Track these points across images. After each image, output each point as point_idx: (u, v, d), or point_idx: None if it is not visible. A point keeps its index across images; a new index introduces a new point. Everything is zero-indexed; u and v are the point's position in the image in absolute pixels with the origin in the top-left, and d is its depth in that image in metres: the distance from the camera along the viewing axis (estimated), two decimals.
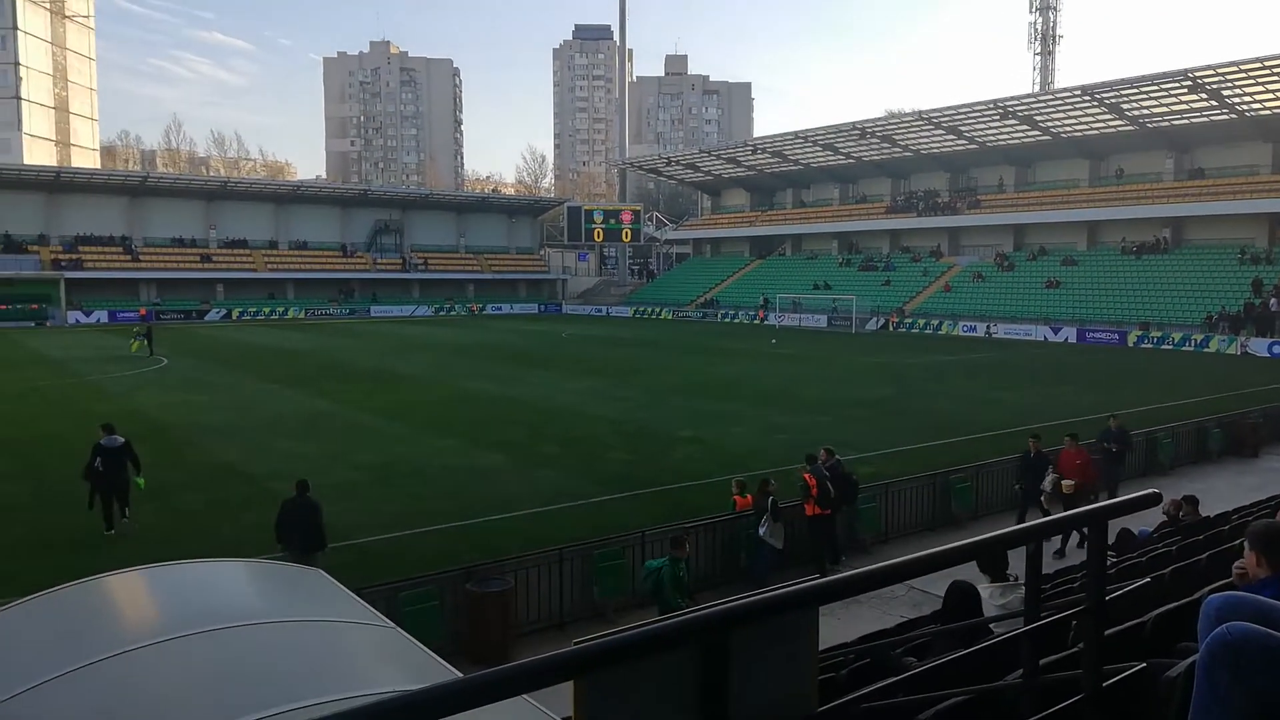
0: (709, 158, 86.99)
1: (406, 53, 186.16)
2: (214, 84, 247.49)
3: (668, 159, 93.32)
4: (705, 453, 20.89)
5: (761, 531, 12.46)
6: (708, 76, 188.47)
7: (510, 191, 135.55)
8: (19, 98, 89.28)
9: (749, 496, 13.36)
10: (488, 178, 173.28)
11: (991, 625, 4.87)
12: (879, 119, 70.24)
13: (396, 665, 4.79)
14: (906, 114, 68.64)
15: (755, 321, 68.55)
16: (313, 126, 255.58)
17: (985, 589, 6.00)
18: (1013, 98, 60.29)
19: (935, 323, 59.27)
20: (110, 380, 32.98)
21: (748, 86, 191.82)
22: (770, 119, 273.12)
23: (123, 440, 15.10)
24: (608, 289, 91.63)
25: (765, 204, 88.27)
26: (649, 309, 79.27)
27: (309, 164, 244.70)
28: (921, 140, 69.75)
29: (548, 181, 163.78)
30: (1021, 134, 64.40)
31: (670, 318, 75.60)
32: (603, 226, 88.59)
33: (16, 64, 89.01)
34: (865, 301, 62.61)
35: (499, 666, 1.48)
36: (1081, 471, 14.64)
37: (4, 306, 63.32)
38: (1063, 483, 14.31)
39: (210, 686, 4.31)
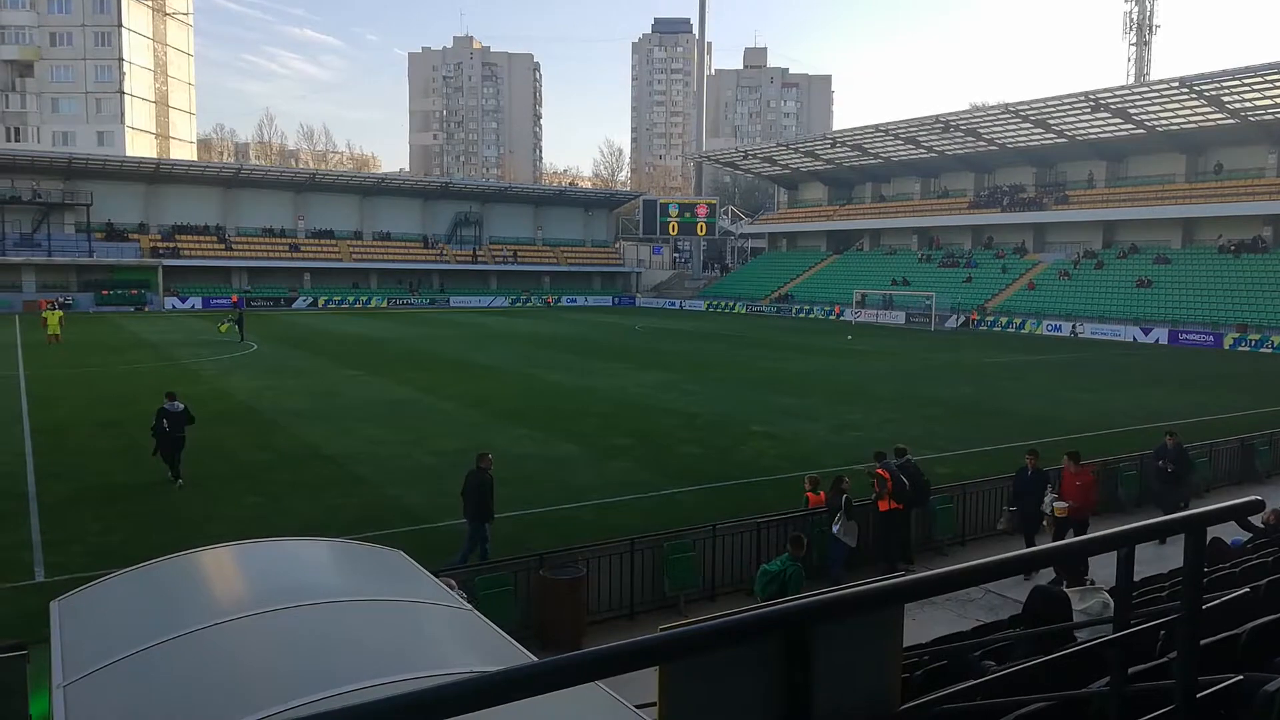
0: (787, 151, 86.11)
1: (488, 48, 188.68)
2: (304, 79, 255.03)
3: (745, 152, 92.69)
4: (777, 448, 20.74)
5: (835, 529, 12.33)
6: (787, 69, 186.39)
7: (587, 185, 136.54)
8: (122, 92, 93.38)
9: (822, 493, 13.23)
10: (565, 171, 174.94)
11: (1075, 631, 4.74)
12: (963, 112, 68.47)
13: (475, 646, 4.89)
14: (992, 107, 66.76)
15: (831, 317, 67.71)
16: (397, 120, 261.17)
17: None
18: (1105, 89, 58.12)
19: (1018, 321, 57.65)
20: (203, 364, 34.34)
21: (827, 79, 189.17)
22: (850, 112, 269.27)
23: (183, 406, 17.13)
24: (681, 282, 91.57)
25: (843, 198, 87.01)
26: (722, 303, 78.95)
27: (393, 157, 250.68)
28: (1007, 134, 67.81)
29: (624, 175, 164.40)
30: (1114, 127, 62.05)
31: (744, 312, 75.16)
32: (678, 220, 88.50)
33: (121, 60, 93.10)
34: (945, 298, 61.25)
35: (586, 649, 1.51)
36: (1082, 493, 13.17)
37: (106, 292, 66.43)
38: (1055, 504, 12.81)
39: (295, 660, 4.47)
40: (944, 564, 11.37)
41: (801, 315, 70.71)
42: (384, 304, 75.86)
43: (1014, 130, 66.82)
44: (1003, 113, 64.59)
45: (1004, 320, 58.57)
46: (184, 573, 5.91)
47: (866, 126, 74.29)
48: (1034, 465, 13.69)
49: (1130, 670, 2.49)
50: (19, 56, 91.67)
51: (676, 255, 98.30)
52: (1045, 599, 4.58)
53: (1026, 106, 62.14)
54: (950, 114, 67.69)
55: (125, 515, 14.65)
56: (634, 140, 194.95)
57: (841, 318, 66.36)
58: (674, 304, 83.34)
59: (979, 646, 5.21)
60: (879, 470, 13.12)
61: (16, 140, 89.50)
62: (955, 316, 60.58)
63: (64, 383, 28.05)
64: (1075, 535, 12.21)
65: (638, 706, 4.00)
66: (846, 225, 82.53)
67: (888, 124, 71.71)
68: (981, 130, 68.41)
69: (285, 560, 6.19)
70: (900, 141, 73.80)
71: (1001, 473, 16.30)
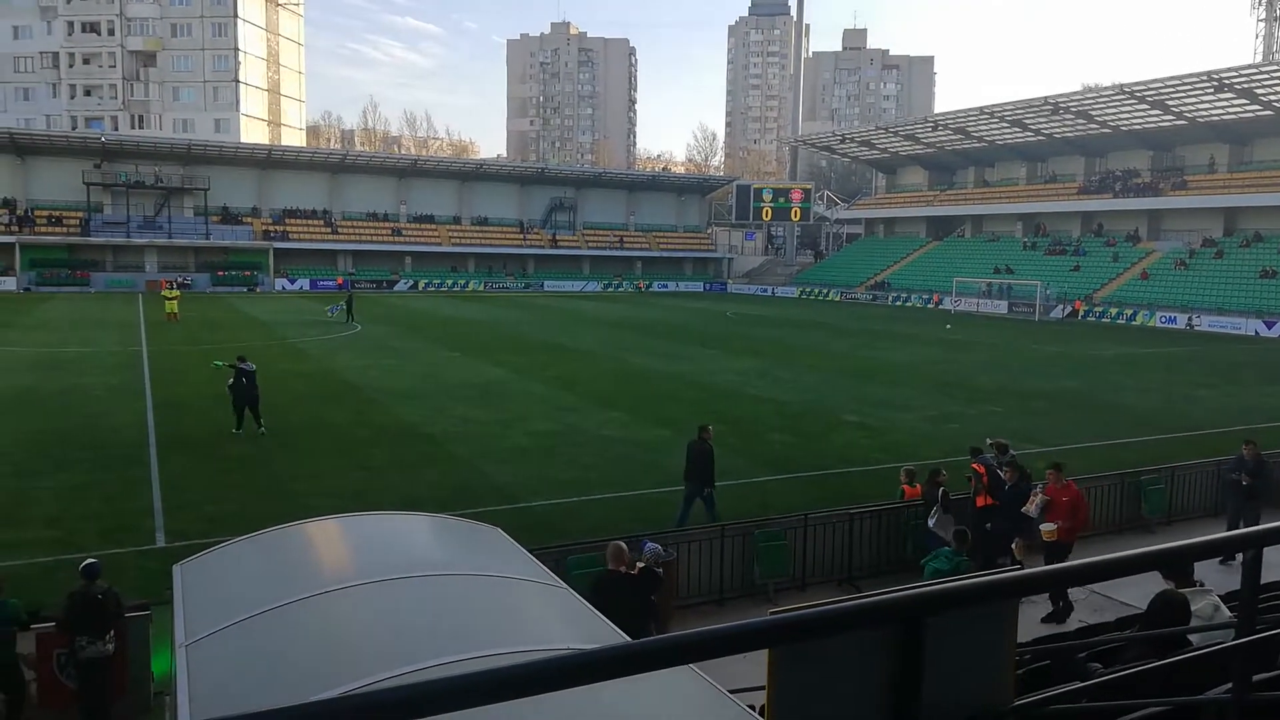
0: (886, 135, 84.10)
1: (585, 33, 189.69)
2: (406, 66, 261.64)
3: (842, 136, 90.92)
4: (870, 439, 20.39)
5: (931, 523, 12.06)
6: (887, 50, 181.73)
7: (680, 170, 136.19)
8: (238, 81, 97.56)
9: (918, 486, 12.96)
10: (658, 156, 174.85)
11: (1188, 636, 4.54)
12: (1074, 93, 65.54)
13: (571, 624, 4.98)
14: (1106, 88, 63.68)
15: (929, 306, 66.01)
16: (495, 106, 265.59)
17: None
18: (1230, 69, 54.75)
19: (1129, 312, 55.10)
20: (310, 343, 35.73)
21: (929, 60, 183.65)
22: (952, 94, 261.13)
23: (254, 367, 19.46)
24: (774, 269, 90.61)
25: (944, 183, 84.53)
26: (816, 290, 77.82)
27: (491, 143, 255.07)
28: (1121, 116, 64.63)
29: (718, 160, 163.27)
30: (1238, 109, 58.46)
31: (838, 299, 73.94)
32: (771, 205, 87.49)
33: (236, 50, 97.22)
34: (1051, 287, 58.97)
35: (697, 629, 1.52)
36: (1069, 511, 11.40)
37: (221, 273, 69.67)
38: (1041, 527, 11.20)
39: (398, 630, 4.63)
40: (1043, 562, 11.01)
41: (898, 303, 69.14)
42: (480, 287, 77.41)
43: (1129, 112, 63.66)
44: (1117, 94, 61.60)
45: (1114, 311, 56.05)
46: (294, 542, 6.19)
47: (970, 109, 71.92)
48: (1012, 478, 11.93)
49: (1255, 678, 2.38)
50: (143, 47, 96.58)
51: (770, 241, 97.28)
52: (1165, 603, 4.40)
53: (1143, 87, 59.09)
54: (1060, 95, 64.92)
55: (237, 486, 15.40)
56: (728, 125, 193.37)
57: (940, 306, 64.62)
58: (766, 290, 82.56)
59: (1085, 648, 5.04)
60: (974, 465, 12.77)
61: (140, 127, 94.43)
62: (1061, 306, 58.28)
63: (182, 359, 29.59)
64: (1058, 561, 10.51)
65: (730, 690, 4.01)
66: (947, 211, 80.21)
67: (993, 106, 69.26)
68: (1093, 112, 65.39)
69: (389, 533, 6.42)
70: (1006, 124, 71.19)
71: (1111, 469, 15.68)
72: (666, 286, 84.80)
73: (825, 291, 76.56)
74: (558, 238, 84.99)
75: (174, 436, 18.74)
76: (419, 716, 1.30)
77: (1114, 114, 64.74)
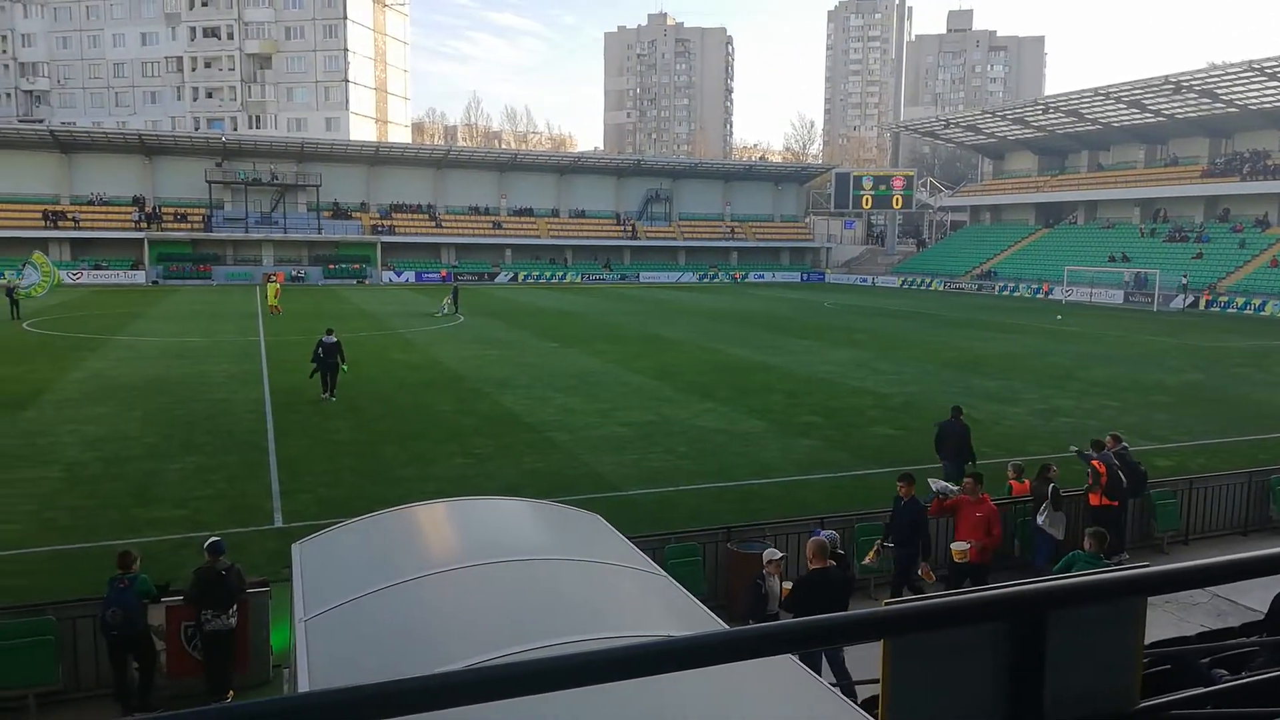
0: (993, 119, 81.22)
1: (682, 23, 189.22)
2: (507, 62, 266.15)
3: (946, 121, 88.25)
4: (976, 432, 19.62)
5: (1040, 520, 11.66)
6: (994, 31, 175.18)
7: (777, 159, 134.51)
8: (347, 80, 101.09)
9: (1026, 482, 12.53)
10: (755, 145, 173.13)
11: None
12: (1197, 71, 61.82)
13: (671, 610, 5.02)
14: (1234, 64, 59.84)
15: (1039, 295, 63.58)
16: (593, 99, 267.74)
17: None
18: None
19: (1257, 302, 51.85)
20: (416, 334, 36.84)
21: (1040, 41, 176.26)
22: (1063, 76, 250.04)
23: (335, 340, 22.20)
24: (874, 258, 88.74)
25: (1055, 167, 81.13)
26: (918, 279, 75.85)
27: (589, 136, 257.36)
28: (1250, 94, 60.71)
29: (816, 148, 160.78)
30: None
31: (941, 289, 71.91)
32: (872, 193, 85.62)
33: (345, 50, 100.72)
34: (1170, 276, 55.97)
35: (809, 618, 1.52)
36: (982, 529, 10.31)
37: (332, 266, 72.42)
38: (953, 546, 10.19)
39: (505, 612, 4.75)
40: (1161, 562, 10.51)
41: (1005, 293, 66.81)
42: (578, 279, 78.29)
43: (1258, 90, 59.75)
44: (1245, 70, 57.85)
45: (1241, 301, 52.84)
46: (404, 524, 6.42)
47: (1084, 90, 68.74)
48: (908, 493, 10.66)
49: None
50: (260, 50, 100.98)
51: (869, 230, 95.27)
52: None
53: (1275, 63, 55.36)
54: (1182, 74, 61.38)
55: (349, 470, 16.03)
56: (827, 112, 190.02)
57: (1050, 296, 62.16)
58: (866, 280, 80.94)
59: (1208, 653, 4.80)
60: (1094, 462, 12.25)
61: (257, 127, 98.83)
62: (1182, 296, 55.26)
63: (297, 348, 30.91)
64: (972, 584, 9.82)
65: (831, 683, 3.99)
66: (1058, 197, 76.98)
67: (1108, 87, 66.00)
68: (1219, 91, 61.64)
69: (494, 517, 6.59)
70: (1122, 105, 67.79)
71: (1237, 467, 14.85)
72: (763, 277, 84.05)
73: (928, 281, 74.55)
74: (653, 229, 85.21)
75: (290, 422, 19.61)
76: (524, 694, 1.33)
77: (1242, 92, 60.89)
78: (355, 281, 71.41)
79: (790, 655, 3.95)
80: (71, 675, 8.75)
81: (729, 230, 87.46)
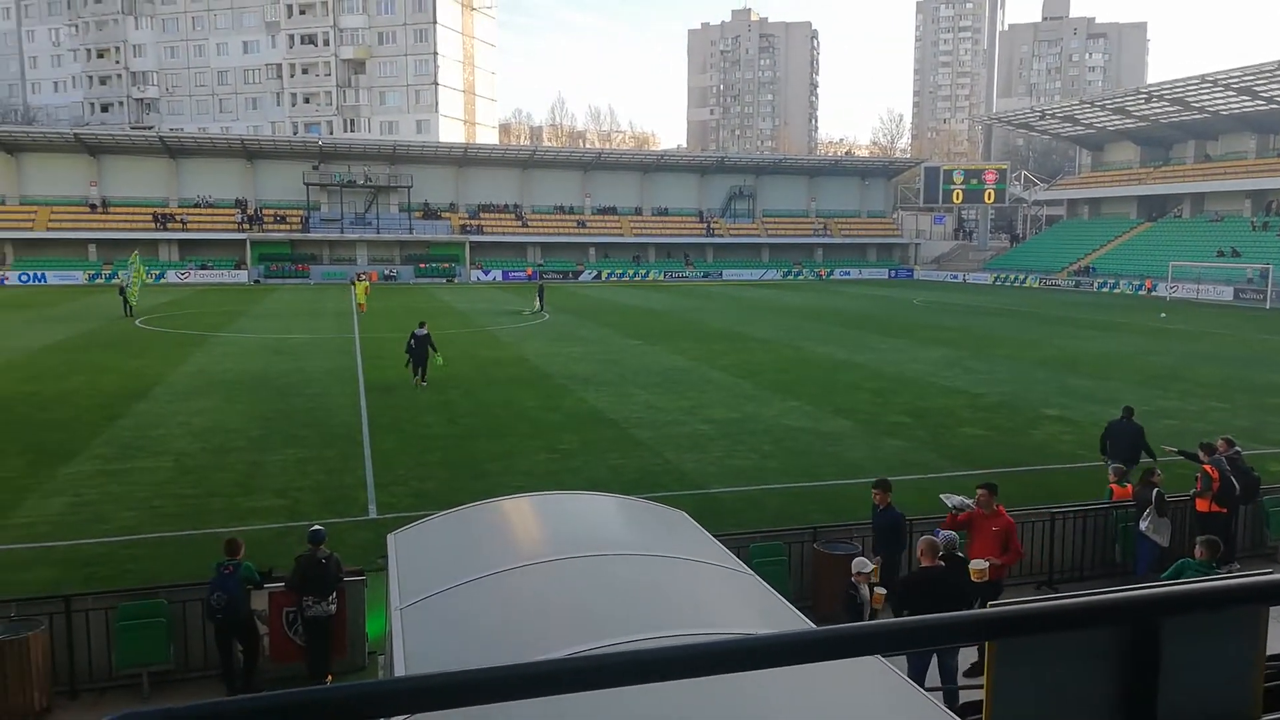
0: (1091, 109, 78.12)
1: (766, 19, 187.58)
2: (591, 62, 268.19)
3: (1041, 112, 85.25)
4: (1073, 434, 19.12)
5: (1143, 526, 11.20)
6: (1093, 18, 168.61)
7: (863, 154, 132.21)
8: (437, 84, 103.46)
9: (1129, 486, 12.06)
10: (840, 141, 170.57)
11: None
12: None
13: (758, 609, 5.01)
14: None
15: (1140, 292, 60.96)
16: (676, 97, 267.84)
17: None
18: None
19: None
20: (503, 331, 37.48)
21: (1141, 27, 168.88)
22: (1166, 63, 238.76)
23: (426, 332, 23.82)
24: (965, 254, 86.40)
25: (1158, 159, 77.60)
26: (1012, 276, 73.53)
27: (672, 134, 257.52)
28: None
29: (904, 142, 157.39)
30: None
31: (1036, 286, 69.57)
32: (962, 187, 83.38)
33: (435, 54, 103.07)
34: None
35: (908, 618, 1.50)
36: (998, 543, 9.47)
37: (423, 265, 74.24)
38: (971, 565, 8.94)
39: (591, 606, 4.81)
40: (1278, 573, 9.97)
41: (1104, 290, 64.24)
42: (661, 277, 78.44)
43: None
44: None
45: None
46: (495, 517, 6.55)
47: (1190, 77, 65.51)
48: (884, 500, 10.13)
49: None
50: (354, 55, 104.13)
51: (960, 225, 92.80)
52: None
53: None
54: None
55: (440, 464, 16.43)
56: (916, 105, 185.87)
57: (1153, 293, 59.53)
58: (956, 277, 78.87)
59: None
60: (1206, 467, 11.69)
61: (352, 130, 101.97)
62: None
63: (390, 345, 31.80)
64: (986, 604, 8.81)
65: (930, 688, 3.91)
66: (1162, 189, 73.60)
67: (1216, 73, 62.75)
68: None
69: (582, 512, 6.67)
70: (1231, 92, 64.37)
71: None
72: (848, 274, 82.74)
73: (1022, 278, 72.21)
74: (736, 226, 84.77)
75: (383, 417, 20.20)
76: (617, 685, 1.35)
77: None
78: (445, 280, 73.02)
79: (880, 658, 3.89)
80: (182, 656, 9.20)
81: (824, 226, 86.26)
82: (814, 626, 4.46)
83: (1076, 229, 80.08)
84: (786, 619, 4.83)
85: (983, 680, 1.63)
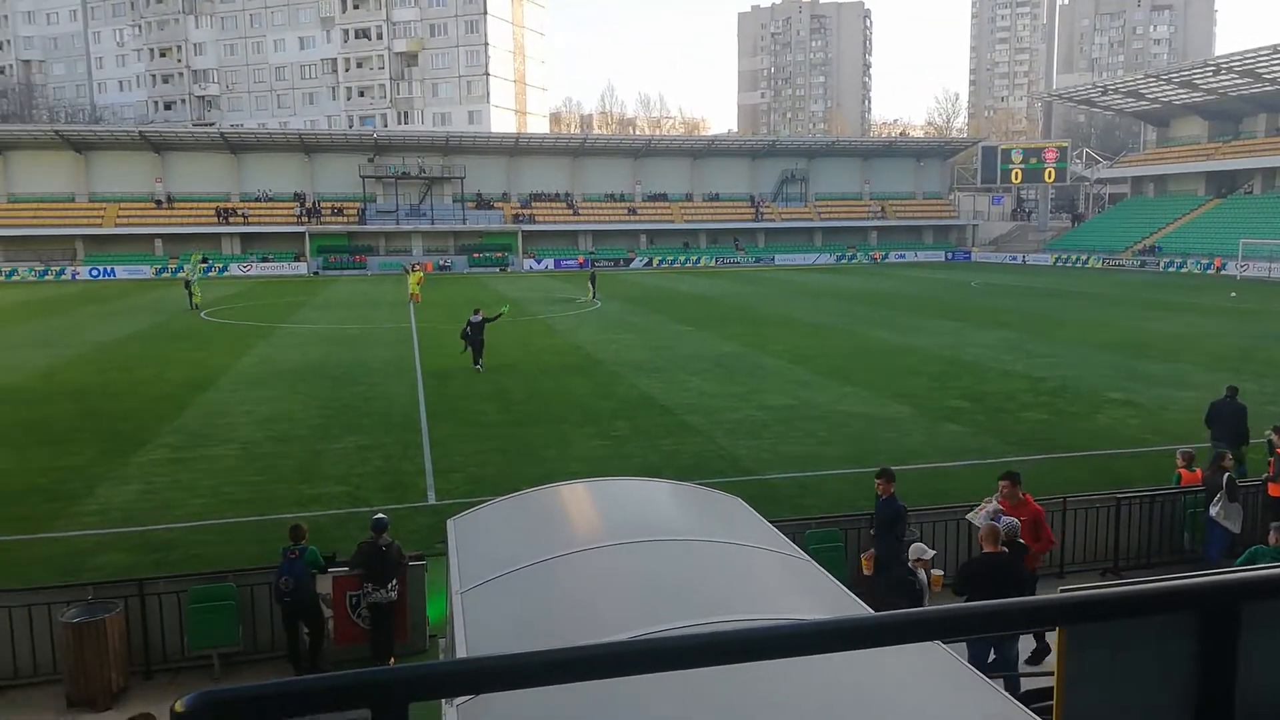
0: (1156, 83, 75.58)
1: (817, 0, 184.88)
2: (640, 48, 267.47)
3: (1104, 87, 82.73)
4: (1139, 417, 18.63)
5: (1213, 512, 10.86)
6: None
7: (918, 135, 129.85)
8: (488, 74, 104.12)
9: (1198, 471, 11.70)
10: (895, 121, 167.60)
11: None
12: None
13: (815, 595, 4.98)
14: None
15: (1209, 272, 58.99)
16: (726, 81, 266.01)
17: None
18: None
19: None
20: (556, 319, 37.72)
21: None
22: (1236, 33, 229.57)
23: (481, 319, 24.72)
24: (1024, 234, 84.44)
25: (1228, 133, 74.81)
26: (1073, 256, 71.67)
27: (722, 118, 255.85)
28: None
29: (960, 121, 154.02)
30: None
31: (1100, 266, 67.73)
32: (1021, 166, 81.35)
33: (486, 45, 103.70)
34: None
35: (979, 603, 1.47)
36: (1028, 534, 8.98)
37: (476, 255, 74.97)
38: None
39: (649, 591, 4.82)
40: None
41: (1171, 269, 62.30)
42: (712, 263, 78.11)
43: None
44: None
45: None
46: (553, 502, 6.61)
47: (1261, 48, 62.93)
48: (887, 490, 9.80)
49: None
50: (407, 49, 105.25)
51: (1019, 205, 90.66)
52: None
53: None
54: None
55: (496, 451, 16.62)
56: (972, 83, 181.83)
57: (1223, 272, 57.55)
58: (1015, 258, 77.13)
59: None
60: None
61: (405, 123, 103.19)
62: None
63: (445, 335, 32.21)
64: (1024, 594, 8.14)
65: (1000, 677, 3.85)
66: (1231, 165, 70.98)
67: None
68: None
69: (637, 498, 6.69)
70: None
71: None
72: (903, 256, 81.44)
73: (1084, 258, 70.34)
74: (788, 210, 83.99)
75: (440, 405, 20.49)
76: (677, 668, 1.35)
77: None
78: (498, 269, 73.64)
79: (942, 645, 3.84)
80: (250, 638, 9.47)
81: (882, 209, 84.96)
82: (869, 611, 4.42)
83: (1141, 207, 77.69)
84: (845, 604, 4.79)
85: (1042, 668, 1.60)
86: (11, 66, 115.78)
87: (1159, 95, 77.01)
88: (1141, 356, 25.91)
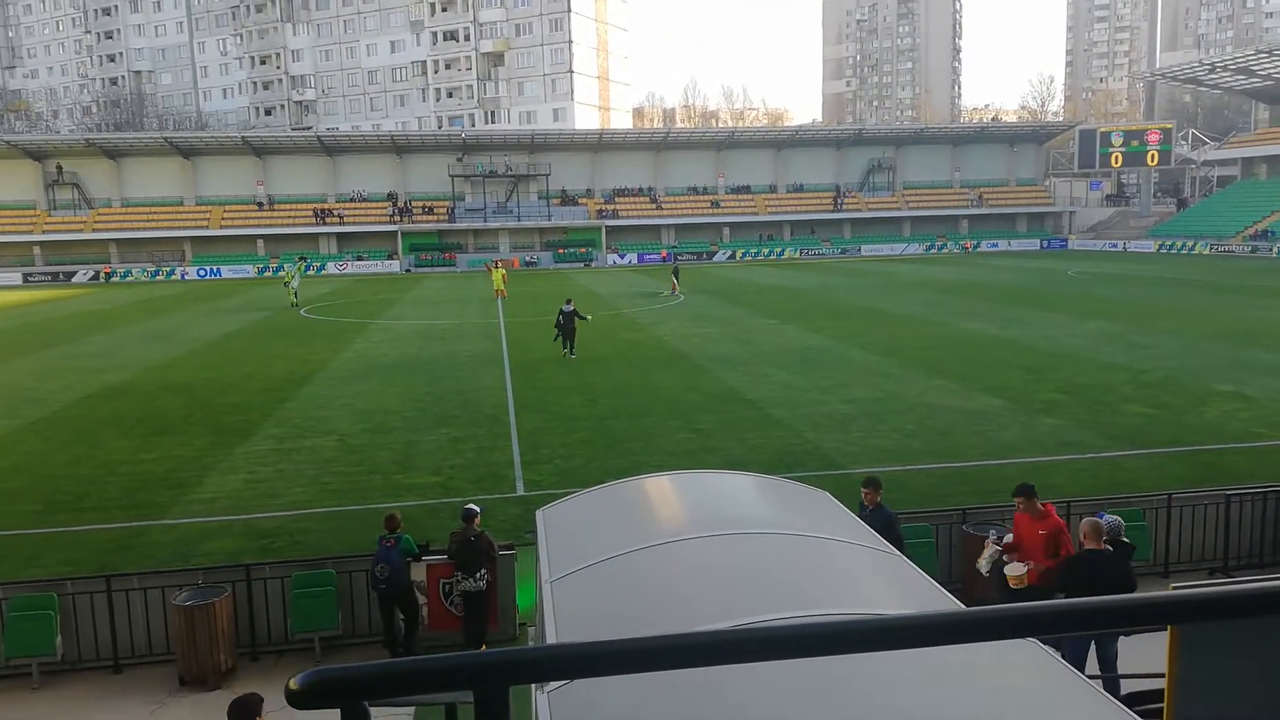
0: (1269, 59, 71.40)
1: None
2: (724, 41, 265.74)
3: (1211, 65, 78.57)
4: (1250, 411, 17.70)
5: None
6: None
7: (1011, 119, 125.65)
8: (572, 72, 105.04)
9: None
10: (986, 107, 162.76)
11: None
12: None
13: (906, 590, 4.91)
14: None
15: None
16: (810, 71, 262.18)
17: None
18: None
19: None
20: (640, 313, 37.88)
21: None
22: None
23: (573, 309, 25.93)
24: (1125, 221, 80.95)
25: None
26: (1178, 243, 68.41)
27: (806, 108, 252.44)
28: None
29: (1056, 105, 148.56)
30: None
31: (1207, 253, 64.49)
32: (1122, 150, 77.94)
33: (570, 42, 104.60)
34: None
35: (1085, 599, 1.41)
36: (1046, 546, 8.45)
37: (561, 250, 75.84)
38: (1007, 571, 8.33)
39: (738, 583, 4.83)
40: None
41: None
42: (796, 254, 77.23)
43: None
44: None
45: None
46: (640, 494, 6.67)
47: None
48: (873, 500, 9.22)
49: None
50: (494, 49, 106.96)
51: (1120, 190, 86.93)
52: None
53: None
54: None
55: (582, 443, 16.82)
56: (1069, 64, 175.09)
57: None
58: (1115, 246, 74.03)
59: None
60: None
61: (492, 122, 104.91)
62: None
63: (532, 328, 32.72)
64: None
65: (1093, 676, 3.73)
66: None
67: None
68: None
69: (724, 490, 6.70)
70: None
71: None
72: (996, 245, 79.02)
73: (1190, 244, 67.08)
74: (875, 200, 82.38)
75: (528, 398, 20.84)
76: (771, 658, 1.35)
77: None
78: (582, 265, 74.33)
79: (1039, 644, 3.73)
80: (349, 622, 9.82)
81: (980, 196, 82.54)
82: (960, 607, 4.32)
83: (1253, 190, 73.59)
84: (938, 600, 4.71)
85: (1147, 670, 1.55)
86: (124, 77, 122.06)
87: (1272, 71, 72.74)
88: (1252, 346, 24.61)
